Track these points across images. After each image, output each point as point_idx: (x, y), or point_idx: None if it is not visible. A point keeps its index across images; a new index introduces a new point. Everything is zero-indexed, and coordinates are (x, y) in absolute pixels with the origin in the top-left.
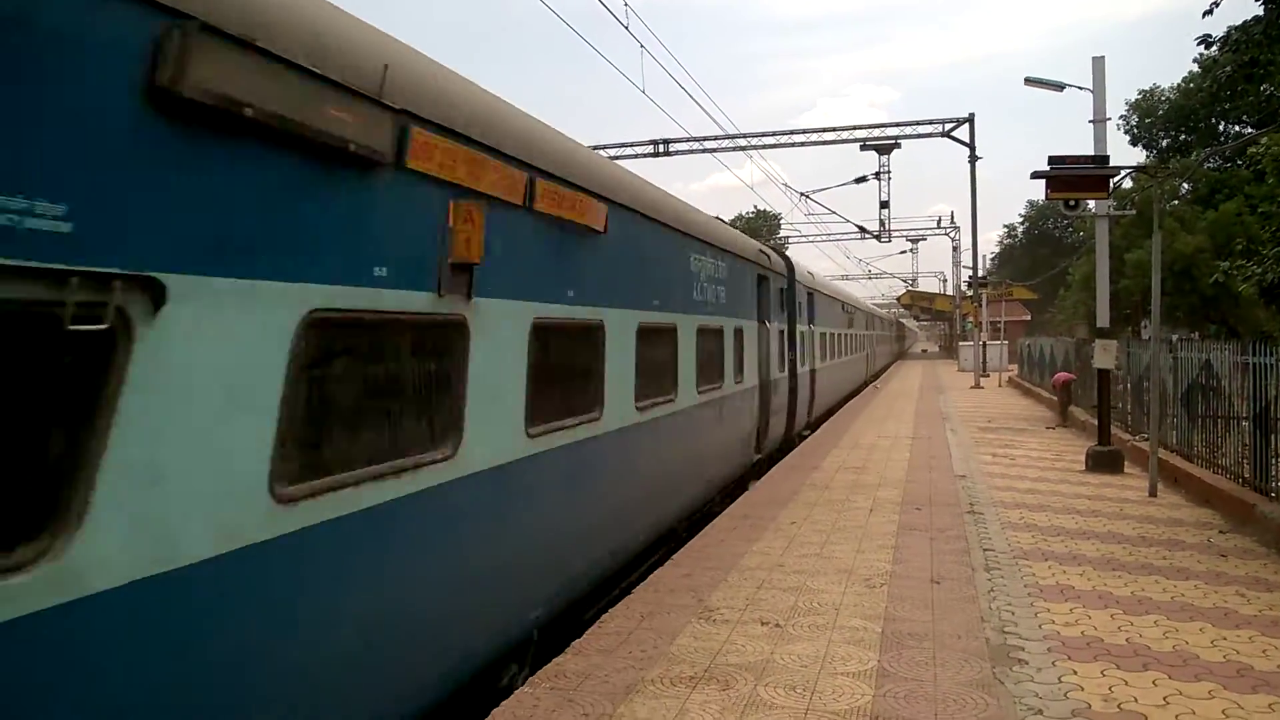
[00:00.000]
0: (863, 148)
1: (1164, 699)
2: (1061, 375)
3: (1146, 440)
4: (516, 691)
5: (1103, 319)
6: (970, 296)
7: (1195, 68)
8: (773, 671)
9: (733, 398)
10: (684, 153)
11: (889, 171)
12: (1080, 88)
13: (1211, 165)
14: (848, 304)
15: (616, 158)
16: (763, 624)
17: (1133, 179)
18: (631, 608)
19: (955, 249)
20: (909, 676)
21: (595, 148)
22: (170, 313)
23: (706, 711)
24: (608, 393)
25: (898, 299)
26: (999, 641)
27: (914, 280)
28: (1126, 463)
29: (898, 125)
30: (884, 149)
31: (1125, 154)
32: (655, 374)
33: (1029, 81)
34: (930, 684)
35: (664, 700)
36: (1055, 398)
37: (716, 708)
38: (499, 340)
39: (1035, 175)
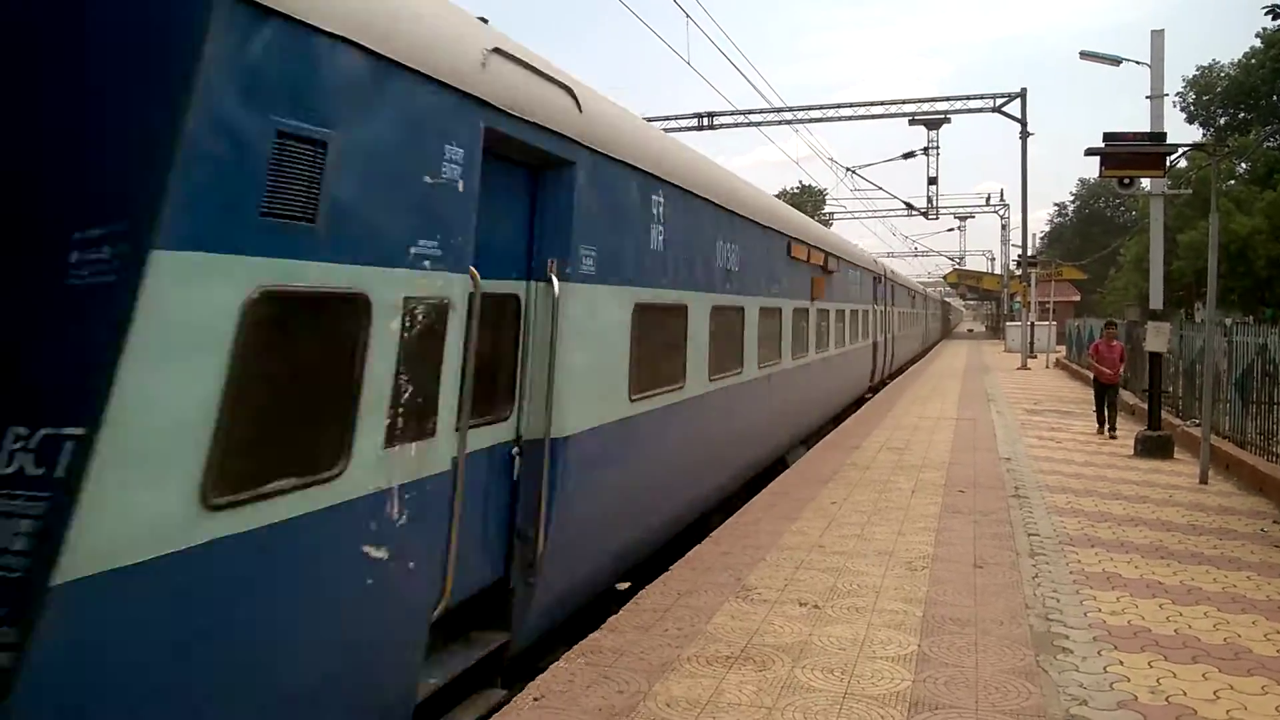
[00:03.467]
0: (911, 122)
1: (1214, 693)
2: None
3: (1198, 426)
4: (551, 666)
5: (1155, 301)
6: (1019, 276)
7: (1257, 42)
8: (810, 653)
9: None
10: (728, 126)
11: (937, 147)
12: (1137, 62)
13: (1271, 144)
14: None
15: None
16: (801, 605)
17: (1189, 157)
18: (669, 585)
19: (1004, 227)
20: (949, 662)
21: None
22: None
23: (743, 692)
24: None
25: (944, 277)
26: (1043, 629)
27: (961, 259)
28: (1176, 448)
29: (947, 99)
30: (933, 123)
31: (1182, 132)
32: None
33: (1084, 55)
34: (971, 670)
35: (700, 679)
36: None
37: (753, 688)
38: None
39: (1090, 152)
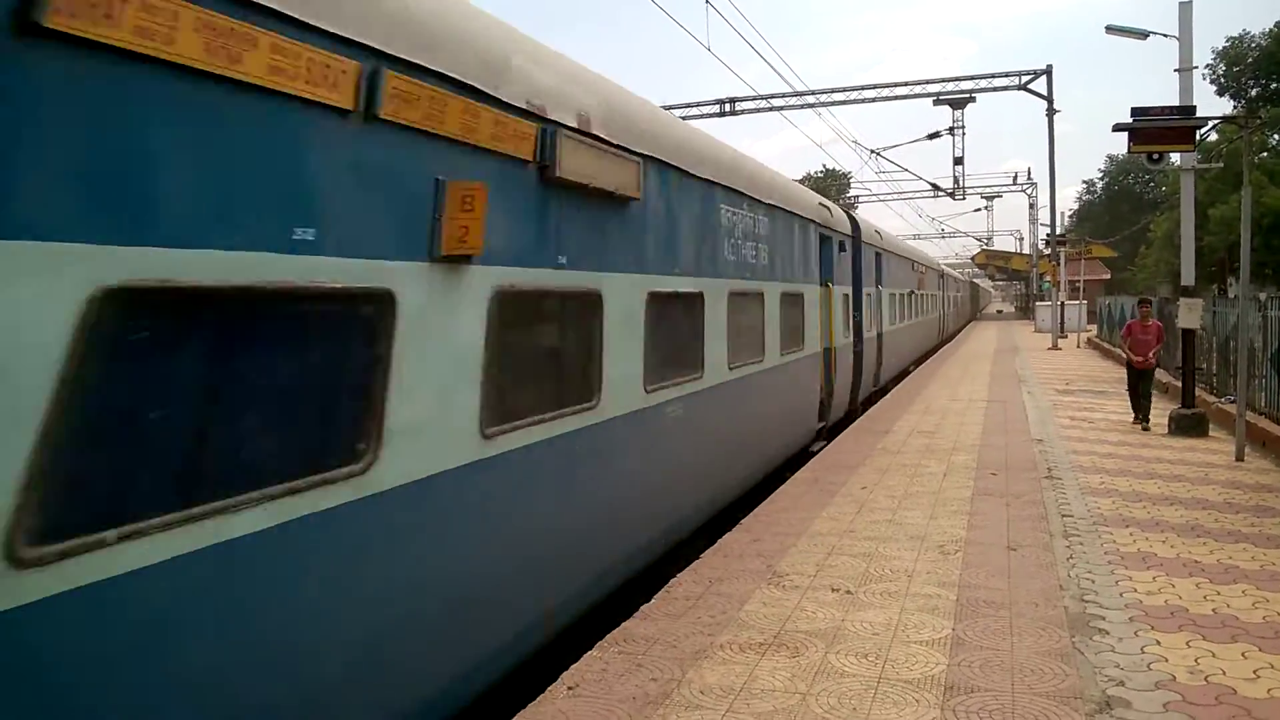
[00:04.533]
0: (936, 102)
1: (1254, 672)
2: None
3: (1233, 403)
4: (585, 655)
5: (1187, 277)
6: (1048, 255)
7: None
8: (843, 639)
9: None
10: (751, 111)
11: (963, 126)
12: (1165, 35)
13: None
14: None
15: (683, 118)
16: (833, 590)
17: (1219, 130)
18: (700, 572)
19: (1032, 206)
20: (984, 645)
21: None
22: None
23: (776, 678)
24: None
25: (972, 258)
26: (1078, 610)
27: (989, 239)
28: (1211, 426)
29: (972, 79)
30: (958, 103)
31: (1212, 105)
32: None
33: (1111, 30)
34: (1007, 653)
35: (733, 666)
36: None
37: (786, 675)
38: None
39: (1118, 128)
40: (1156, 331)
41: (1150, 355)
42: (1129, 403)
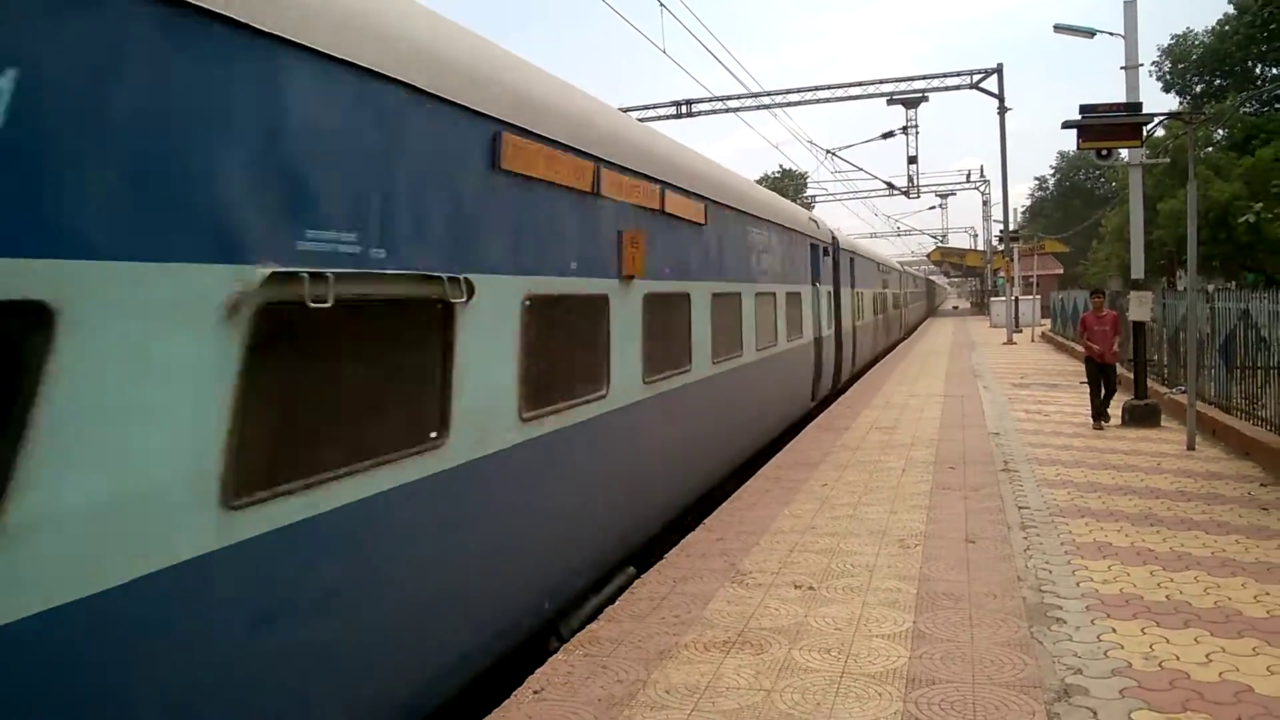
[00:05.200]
0: (889, 102)
1: (1206, 656)
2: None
3: (1183, 393)
4: (550, 659)
5: (1137, 270)
6: (1001, 251)
7: (1230, 9)
8: (807, 635)
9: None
10: (707, 113)
11: (916, 126)
12: (1111, 33)
13: (1247, 110)
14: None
15: (640, 120)
16: (796, 587)
17: (1166, 126)
18: (664, 573)
19: (985, 203)
20: (945, 638)
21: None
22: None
23: (741, 676)
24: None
25: (928, 256)
26: (1036, 601)
27: (944, 236)
28: (1163, 416)
29: (925, 78)
30: (911, 102)
31: (1158, 101)
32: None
33: (1059, 29)
34: (967, 645)
35: (698, 665)
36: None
37: (751, 672)
38: None
39: (1067, 125)
40: (1113, 321)
41: (1113, 347)
42: (1089, 405)
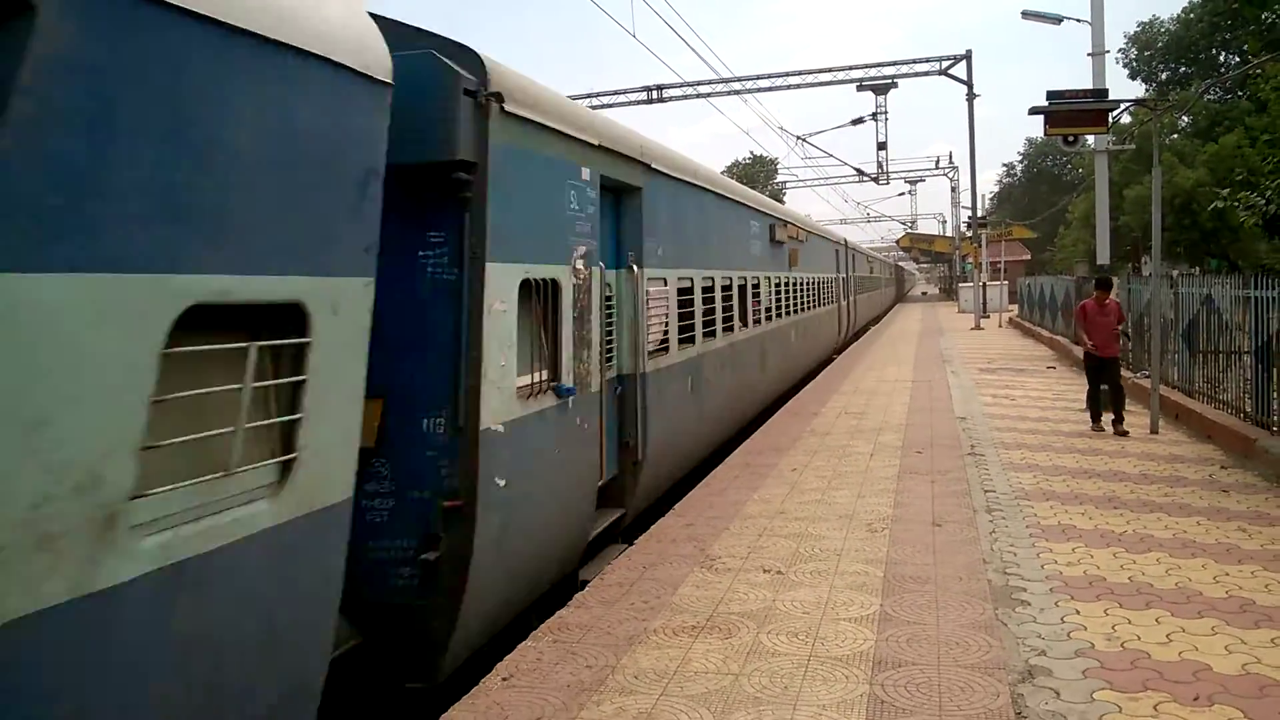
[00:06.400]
0: (859, 88)
1: (1167, 636)
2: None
3: (1147, 377)
4: (520, 645)
5: (1103, 256)
6: (970, 237)
7: None
8: (775, 619)
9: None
10: (678, 99)
11: (886, 112)
12: (1078, 20)
13: (1212, 97)
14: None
15: (609, 105)
16: (765, 571)
17: (1132, 113)
18: (633, 559)
19: (954, 189)
20: (911, 620)
21: (587, 96)
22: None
23: (709, 660)
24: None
25: (897, 242)
26: (1001, 583)
27: (913, 222)
28: (1127, 400)
29: (894, 64)
30: (881, 89)
31: (1124, 88)
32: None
33: (1026, 15)
34: (933, 627)
35: (667, 650)
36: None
37: (719, 656)
38: None
39: (1034, 111)
40: (1116, 312)
41: (1111, 340)
42: (1087, 406)
